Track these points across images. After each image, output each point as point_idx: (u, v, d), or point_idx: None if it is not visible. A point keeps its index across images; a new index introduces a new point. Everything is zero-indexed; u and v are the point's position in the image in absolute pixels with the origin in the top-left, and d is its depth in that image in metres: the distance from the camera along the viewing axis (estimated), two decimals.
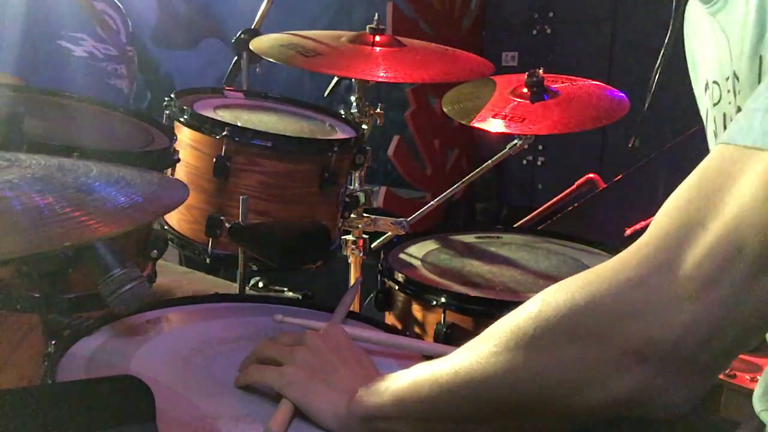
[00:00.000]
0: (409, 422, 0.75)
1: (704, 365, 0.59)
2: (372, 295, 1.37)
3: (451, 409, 0.72)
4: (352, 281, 1.73)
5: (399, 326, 1.29)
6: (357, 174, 1.63)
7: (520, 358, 0.65)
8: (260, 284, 1.83)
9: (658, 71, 1.01)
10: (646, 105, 1.07)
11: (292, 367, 0.84)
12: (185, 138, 1.39)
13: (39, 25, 2.21)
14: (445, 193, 1.97)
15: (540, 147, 3.95)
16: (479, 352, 0.69)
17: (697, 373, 0.60)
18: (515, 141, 1.82)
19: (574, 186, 2.57)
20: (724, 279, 0.56)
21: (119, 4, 2.55)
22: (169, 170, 1.32)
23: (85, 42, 2.29)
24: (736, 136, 0.60)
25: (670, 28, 0.97)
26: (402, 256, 1.43)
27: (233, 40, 1.90)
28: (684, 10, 0.95)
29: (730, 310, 0.56)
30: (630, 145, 1.26)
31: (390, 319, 1.35)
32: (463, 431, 0.74)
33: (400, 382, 0.77)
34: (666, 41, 0.98)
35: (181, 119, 1.40)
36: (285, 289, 1.77)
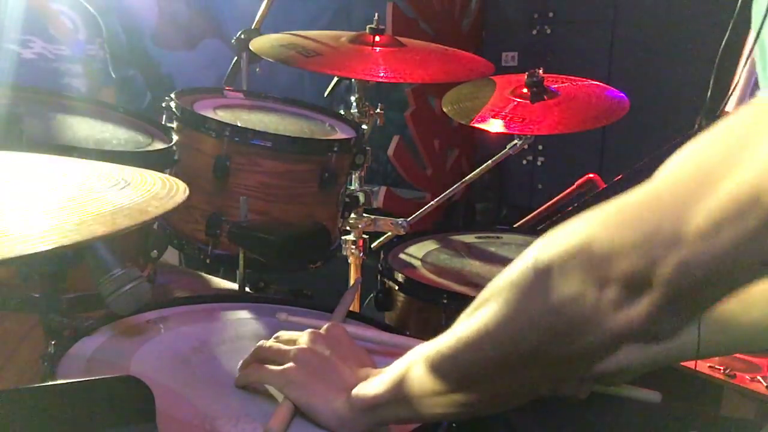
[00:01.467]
0: (409, 402, 0.75)
1: (700, 302, 0.60)
2: (372, 295, 1.37)
3: (453, 374, 0.72)
4: (352, 281, 1.73)
5: (399, 326, 1.29)
6: (357, 174, 1.63)
7: (521, 307, 0.65)
8: (260, 284, 1.83)
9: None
10: (712, 82, 1.09)
11: (292, 367, 0.84)
12: (185, 138, 1.39)
13: None
14: (445, 193, 1.97)
15: (540, 147, 3.95)
16: (480, 312, 0.68)
17: (689, 308, 0.60)
18: (515, 141, 1.82)
19: (574, 186, 2.57)
20: (735, 226, 0.54)
21: (84, 4, 2.56)
22: (169, 170, 1.32)
23: (33, 44, 2.32)
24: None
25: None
26: (402, 256, 1.43)
27: (233, 40, 1.90)
28: None
29: (735, 254, 0.54)
30: (697, 126, 1.27)
31: (390, 319, 1.35)
32: (459, 402, 0.73)
33: (397, 366, 0.78)
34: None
35: (181, 119, 1.40)
36: (285, 289, 1.77)
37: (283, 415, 0.80)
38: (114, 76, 2.63)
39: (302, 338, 0.89)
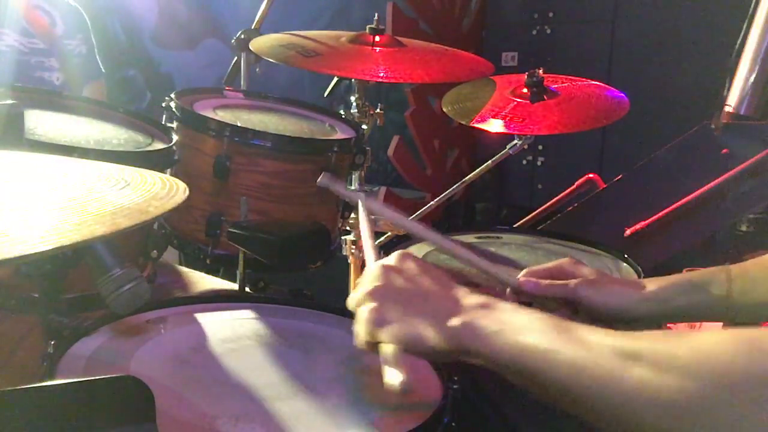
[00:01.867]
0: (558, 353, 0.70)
1: None
2: None
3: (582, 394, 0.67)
4: (352, 281, 1.73)
5: None
6: (357, 174, 1.63)
7: (714, 396, 0.59)
8: (260, 284, 1.83)
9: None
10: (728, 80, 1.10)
11: (373, 307, 0.80)
12: (185, 138, 1.39)
13: None
14: (445, 193, 1.97)
15: (540, 147, 3.95)
16: (654, 377, 0.63)
17: None
18: (515, 141, 1.82)
19: (574, 186, 2.57)
20: None
21: (63, 2, 2.57)
22: (169, 170, 1.32)
23: (6, 36, 2.34)
24: None
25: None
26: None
27: (233, 40, 1.90)
28: None
29: None
30: (713, 124, 1.28)
31: None
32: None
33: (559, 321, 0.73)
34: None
35: (181, 119, 1.40)
36: (285, 289, 1.77)
37: (397, 361, 0.77)
38: (103, 70, 2.65)
39: (375, 276, 0.84)
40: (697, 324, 1.54)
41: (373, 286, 0.82)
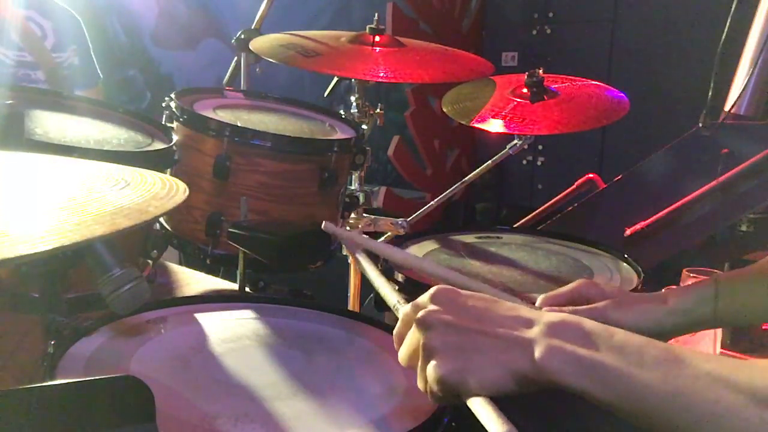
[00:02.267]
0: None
1: None
2: (372, 295, 1.37)
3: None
4: (352, 281, 1.73)
5: None
6: (357, 174, 1.63)
7: None
8: (260, 284, 1.83)
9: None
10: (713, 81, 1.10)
11: (442, 363, 0.68)
12: (185, 138, 1.39)
13: None
14: (445, 193, 1.97)
15: (540, 147, 3.96)
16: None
17: None
18: (515, 141, 1.82)
19: (574, 186, 2.58)
20: None
21: (62, 10, 2.57)
22: (169, 170, 1.32)
23: None
24: None
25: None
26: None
27: (233, 40, 1.90)
28: None
29: None
30: (701, 123, 1.29)
31: (390, 319, 1.35)
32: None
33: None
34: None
35: (181, 119, 1.40)
36: (285, 289, 1.77)
37: (494, 416, 0.65)
38: (101, 75, 2.65)
39: (421, 321, 0.72)
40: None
41: (425, 335, 0.70)
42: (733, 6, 1.07)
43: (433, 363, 0.68)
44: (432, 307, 0.71)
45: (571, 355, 0.64)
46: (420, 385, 0.72)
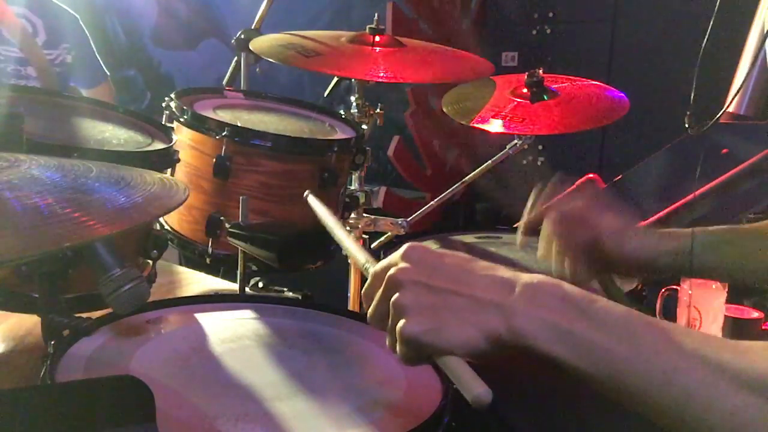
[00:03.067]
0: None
1: None
2: None
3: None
4: (352, 281, 1.73)
5: None
6: (357, 174, 1.63)
7: None
8: (260, 284, 1.83)
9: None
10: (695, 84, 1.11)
11: (412, 321, 0.66)
12: (185, 138, 1.39)
13: None
14: (445, 193, 1.97)
15: (540, 147, 3.95)
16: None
17: None
18: (515, 141, 1.82)
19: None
20: None
21: (59, 9, 2.58)
22: (169, 170, 1.32)
23: None
24: None
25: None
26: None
27: (233, 40, 1.90)
28: None
29: None
30: (687, 125, 1.30)
31: None
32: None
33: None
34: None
35: (181, 119, 1.40)
36: (285, 289, 1.77)
37: (463, 373, 0.64)
38: (108, 73, 2.66)
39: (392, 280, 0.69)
40: (698, 321, 1.54)
41: (395, 294, 0.67)
42: (716, 7, 1.07)
43: (403, 321, 0.66)
44: (403, 264, 0.68)
45: (548, 322, 0.62)
46: (389, 343, 0.70)
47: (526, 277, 0.66)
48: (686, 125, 1.25)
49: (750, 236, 1.04)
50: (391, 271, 0.68)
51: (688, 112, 1.23)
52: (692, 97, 1.18)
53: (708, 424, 0.57)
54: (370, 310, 0.72)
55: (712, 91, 1.29)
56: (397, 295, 0.67)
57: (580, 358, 0.61)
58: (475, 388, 0.62)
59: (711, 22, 1.07)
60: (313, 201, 1.05)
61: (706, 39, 1.09)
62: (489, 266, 0.68)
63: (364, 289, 0.74)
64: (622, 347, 0.60)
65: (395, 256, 0.70)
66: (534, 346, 0.62)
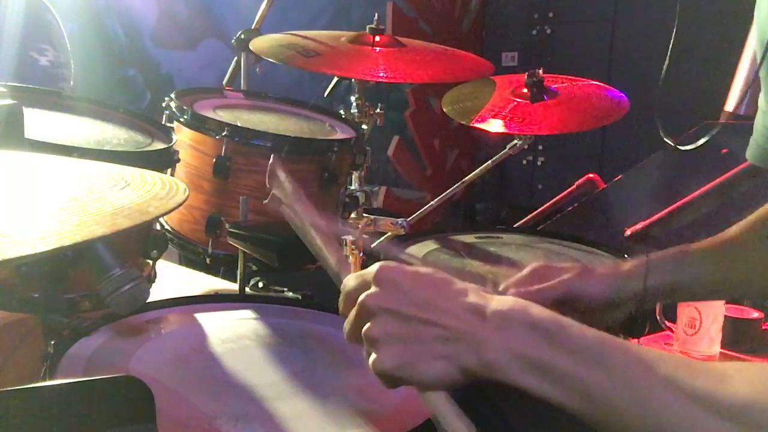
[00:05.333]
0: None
1: None
2: None
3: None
4: None
5: None
6: (357, 174, 1.63)
7: None
8: (260, 284, 1.83)
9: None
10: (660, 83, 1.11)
11: (382, 356, 0.65)
12: (185, 138, 1.39)
13: (12, 37, 2.30)
14: (445, 193, 1.97)
15: (540, 147, 3.96)
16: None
17: None
18: (515, 141, 1.83)
19: (573, 186, 2.57)
20: None
21: (47, 9, 2.61)
22: (169, 170, 1.32)
23: (48, 52, 2.38)
24: None
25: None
26: (402, 256, 1.43)
27: (233, 40, 1.90)
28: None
29: None
30: (672, 144, 1.30)
31: None
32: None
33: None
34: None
35: (181, 119, 1.40)
36: (285, 289, 1.77)
37: (442, 410, 0.64)
38: (71, 83, 2.67)
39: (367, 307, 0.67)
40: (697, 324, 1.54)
41: (367, 323, 0.66)
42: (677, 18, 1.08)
43: (374, 356, 0.65)
44: (374, 289, 0.66)
45: (517, 352, 0.61)
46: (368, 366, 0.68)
47: (495, 303, 0.65)
48: (668, 144, 1.25)
49: (699, 255, 1.05)
50: (362, 297, 0.67)
51: (660, 132, 1.23)
52: (658, 118, 1.19)
53: None
54: (345, 332, 0.71)
55: (685, 101, 1.28)
56: (368, 325, 0.66)
57: (553, 387, 0.61)
58: (459, 429, 0.63)
59: (674, 31, 1.08)
60: (286, 211, 1.02)
61: (669, 50, 1.10)
62: (460, 290, 0.67)
63: (340, 306, 0.72)
64: (594, 375, 0.59)
65: (368, 275, 0.68)
66: (506, 378, 0.62)
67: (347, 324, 0.70)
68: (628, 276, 1.02)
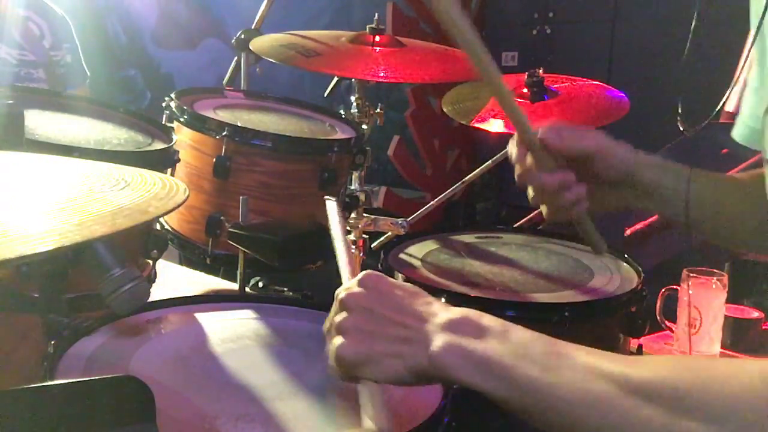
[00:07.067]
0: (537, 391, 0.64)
1: None
2: None
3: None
4: None
5: None
6: (357, 174, 1.63)
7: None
8: (260, 284, 1.83)
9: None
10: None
11: (347, 344, 0.71)
12: (185, 138, 1.39)
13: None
14: (445, 193, 1.97)
15: None
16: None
17: None
18: None
19: None
20: None
21: (53, 9, 2.60)
22: (169, 170, 1.32)
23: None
24: None
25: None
26: (402, 256, 1.43)
27: (233, 40, 1.90)
28: None
29: None
30: (682, 128, 1.30)
31: None
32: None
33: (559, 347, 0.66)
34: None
35: (181, 119, 1.40)
36: (285, 289, 1.77)
37: (375, 404, 0.70)
38: (89, 73, 2.69)
39: (342, 306, 0.74)
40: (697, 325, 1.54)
41: (340, 316, 0.73)
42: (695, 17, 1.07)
43: (339, 341, 0.71)
44: (356, 289, 0.74)
45: (463, 351, 0.66)
46: (328, 356, 0.74)
47: (452, 311, 0.71)
48: (680, 127, 1.25)
49: (751, 185, 0.99)
50: (343, 294, 0.74)
51: (679, 113, 1.23)
52: (680, 98, 1.19)
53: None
54: (324, 326, 0.77)
55: (701, 89, 1.29)
56: (343, 315, 0.73)
57: (495, 383, 0.65)
58: (378, 422, 0.68)
59: (692, 26, 1.08)
60: (331, 208, 1.05)
61: (690, 38, 1.09)
62: (428, 300, 0.74)
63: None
64: (526, 367, 0.64)
65: (354, 280, 0.76)
66: (453, 376, 0.67)
67: (328, 318, 0.77)
68: (649, 162, 1.02)
